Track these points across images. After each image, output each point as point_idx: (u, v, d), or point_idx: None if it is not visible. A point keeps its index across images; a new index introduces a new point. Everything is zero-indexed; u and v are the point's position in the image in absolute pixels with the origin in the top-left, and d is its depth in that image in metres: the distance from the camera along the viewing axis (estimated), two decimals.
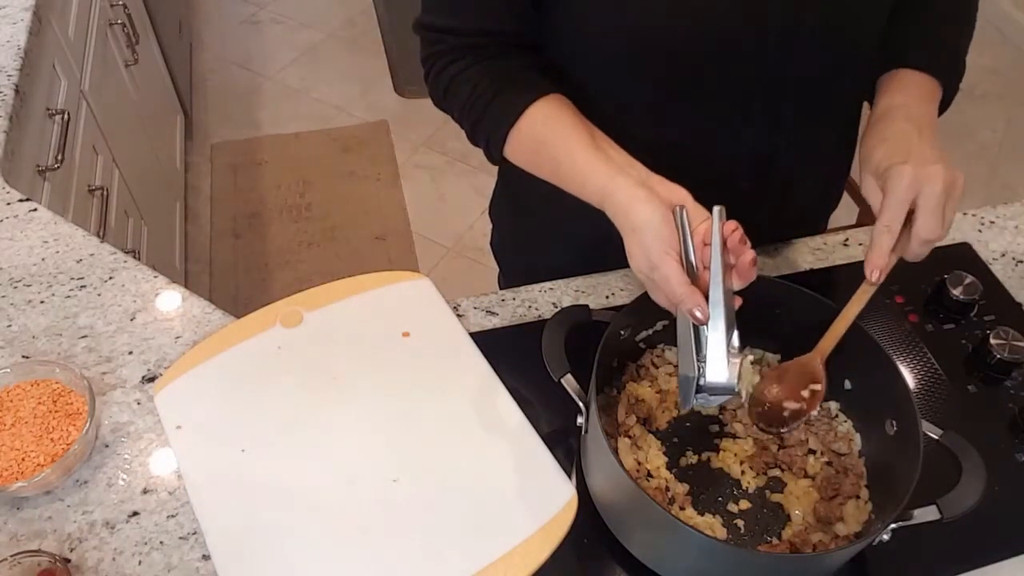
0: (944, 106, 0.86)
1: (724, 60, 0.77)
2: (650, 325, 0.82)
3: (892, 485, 0.70)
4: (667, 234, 0.66)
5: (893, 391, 0.72)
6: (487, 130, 0.80)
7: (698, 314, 0.63)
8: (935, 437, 0.69)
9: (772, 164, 0.88)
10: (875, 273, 0.70)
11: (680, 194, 0.69)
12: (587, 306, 0.77)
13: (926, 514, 0.64)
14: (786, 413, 0.73)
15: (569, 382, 0.71)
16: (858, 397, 0.79)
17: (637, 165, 0.72)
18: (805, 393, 0.73)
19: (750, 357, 0.78)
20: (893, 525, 0.64)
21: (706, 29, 0.75)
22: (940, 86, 0.84)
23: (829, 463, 0.77)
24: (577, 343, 0.73)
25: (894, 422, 0.73)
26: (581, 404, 0.71)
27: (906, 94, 0.82)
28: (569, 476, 0.77)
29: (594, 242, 0.96)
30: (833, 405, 0.81)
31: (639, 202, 0.68)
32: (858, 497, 0.74)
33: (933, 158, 0.72)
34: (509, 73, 0.79)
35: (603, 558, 0.73)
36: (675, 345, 0.81)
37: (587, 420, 0.71)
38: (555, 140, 0.76)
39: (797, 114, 0.84)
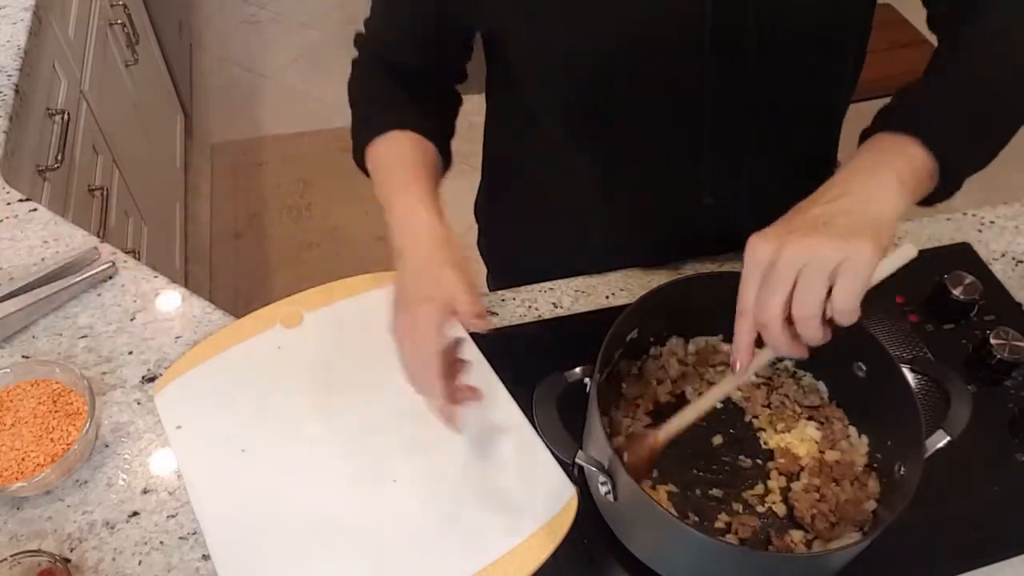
0: (941, 192, 0.66)
1: (665, 77, 0.76)
2: (610, 359, 0.79)
3: (886, 424, 0.72)
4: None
5: (851, 336, 0.66)
6: (356, 134, 0.86)
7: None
8: (906, 367, 0.70)
9: (735, 180, 0.88)
10: (737, 364, 0.62)
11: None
12: (561, 373, 0.72)
13: (936, 440, 0.65)
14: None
15: (583, 458, 0.66)
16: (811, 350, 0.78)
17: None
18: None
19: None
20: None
21: (638, 46, 0.73)
22: (925, 153, 0.64)
23: (810, 418, 0.79)
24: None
25: (862, 364, 0.74)
26: (602, 475, 0.66)
27: (854, 157, 0.65)
28: (572, 473, 0.77)
29: (572, 245, 0.97)
30: (788, 363, 0.82)
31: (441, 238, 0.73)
32: (848, 436, 0.77)
33: (804, 225, 0.57)
34: (396, 98, 0.86)
35: (604, 556, 0.73)
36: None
37: (615, 488, 0.67)
38: (390, 166, 0.82)
39: (753, 128, 0.83)
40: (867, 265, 0.56)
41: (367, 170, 0.86)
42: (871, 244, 0.56)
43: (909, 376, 0.69)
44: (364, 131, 0.84)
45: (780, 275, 0.57)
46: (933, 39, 0.79)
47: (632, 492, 0.65)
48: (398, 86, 0.87)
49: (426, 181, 0.78)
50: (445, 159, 0.87)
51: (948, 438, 0.65)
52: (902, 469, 0.69)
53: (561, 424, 0.68)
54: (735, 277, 0.62)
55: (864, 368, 0.74)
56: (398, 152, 0.82)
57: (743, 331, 0.61)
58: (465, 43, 0.87)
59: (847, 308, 0.56)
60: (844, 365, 0.76)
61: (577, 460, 0.66)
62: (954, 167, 0.65)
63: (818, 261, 0.56)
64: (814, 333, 0.57)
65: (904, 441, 0.69)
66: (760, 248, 0.59)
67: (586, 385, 0.71)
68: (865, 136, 0.68)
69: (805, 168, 0.93)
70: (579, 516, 0.73)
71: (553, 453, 0.77)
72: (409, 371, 0.70)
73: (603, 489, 0.68)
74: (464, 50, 0.88)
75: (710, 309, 0.78)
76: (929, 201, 0.67)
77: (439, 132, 0.86)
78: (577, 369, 0.71)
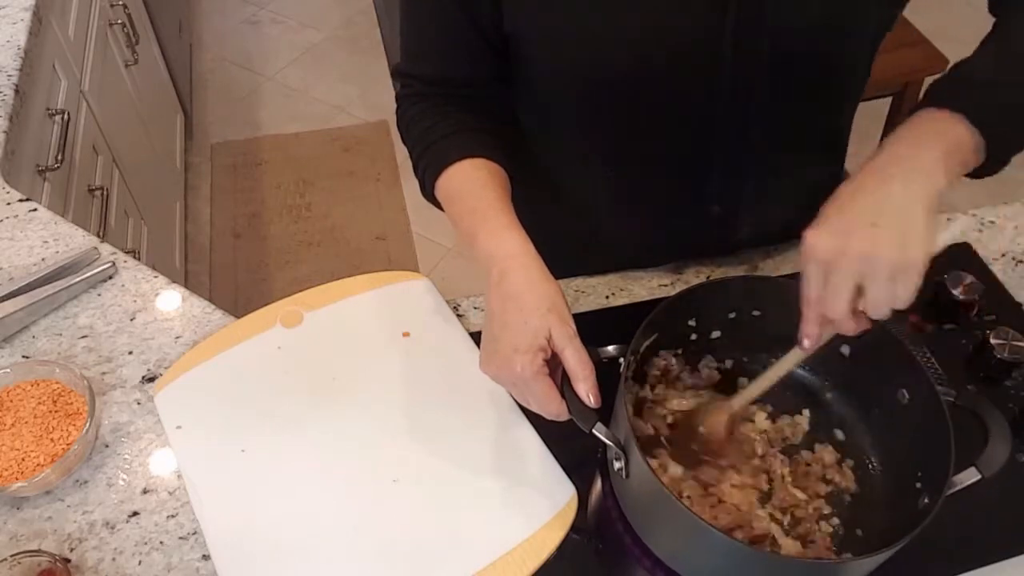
0: (990, 165, 0.68)
1: (679, 85, 0.77)
2: (642, 352, 0.80)
3: (918, 454, 0.71)
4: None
5: (900, 363, 0.71)
6: (423, 168, 0.84)
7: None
8: (950, 399, 0.69)
9: (742, 189, 0.89)
10: (806, 341, 0.67)
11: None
12: (595, 349, 0.73)
13: (967, 477, 0.65)
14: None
15: (600, 430, 0.67)
16: (856, 367, 0.78)
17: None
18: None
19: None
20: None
21: (655, 55, 0.74)
22: (969, 129, 0.65)
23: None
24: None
25: (905, 392, 0.73)
26: (618, 449, 0.68)
27: (896, 136, 0.66)
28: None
29: (577, 246, 0.97)
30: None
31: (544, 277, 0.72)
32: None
33: (858, 222, 0.61)
34: (458, 126, 0.83)
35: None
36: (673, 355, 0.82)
37: (628, 464, 0.68)
38: (468, 195, 0.80)
39: (763, 139, 0.84)
40: (922, 263, 0.60)
41: (437, 202, 0.84)
42: (923, 242, 0.60)
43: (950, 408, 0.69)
44: (431, 164, 0.82)
45: (844, 278, 0.61)
46: (933, 39, 0.79)
47: (642, 471, 0.65)
48: (455, 113, 0.84)
49: (508, 206, 0.78)
50: (510, 177, 0.85)
51: (979, 476, 0.64)
52: (925, 499, 0.67)
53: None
54: (775, 282, 0.68)
55: (907, 396, 0.73)
56: (474, 180, 0.80)
57: (811, 318, 0.65)
58: (498, 49, 0.83)
59: (908, 300, 0.61)
60: (889, 389, 0.75)
61: (594, 431, 0.67)
62: (1000, 143, 0.66)
63: (880, 267, 0.60)
64: (884, 316, 0.63)
65: (932, 474, 0.68)
66: (819, 247, 0.62)
67: (620, 365, 0.72)
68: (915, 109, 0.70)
69: (812, 180, 0.93)
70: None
71: (553, 453, 0.77)
72: (534, 408, 0.71)
73: (616, 465, 0.69)
74: (500, 55, 0.84)
75: (754, 316, 0.79)
76: (977, 175, 0.69)
77: (504, 153, 0.83)
78: (611, 347, 0.73)
